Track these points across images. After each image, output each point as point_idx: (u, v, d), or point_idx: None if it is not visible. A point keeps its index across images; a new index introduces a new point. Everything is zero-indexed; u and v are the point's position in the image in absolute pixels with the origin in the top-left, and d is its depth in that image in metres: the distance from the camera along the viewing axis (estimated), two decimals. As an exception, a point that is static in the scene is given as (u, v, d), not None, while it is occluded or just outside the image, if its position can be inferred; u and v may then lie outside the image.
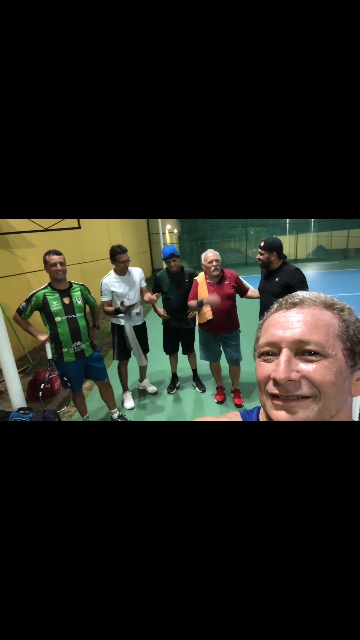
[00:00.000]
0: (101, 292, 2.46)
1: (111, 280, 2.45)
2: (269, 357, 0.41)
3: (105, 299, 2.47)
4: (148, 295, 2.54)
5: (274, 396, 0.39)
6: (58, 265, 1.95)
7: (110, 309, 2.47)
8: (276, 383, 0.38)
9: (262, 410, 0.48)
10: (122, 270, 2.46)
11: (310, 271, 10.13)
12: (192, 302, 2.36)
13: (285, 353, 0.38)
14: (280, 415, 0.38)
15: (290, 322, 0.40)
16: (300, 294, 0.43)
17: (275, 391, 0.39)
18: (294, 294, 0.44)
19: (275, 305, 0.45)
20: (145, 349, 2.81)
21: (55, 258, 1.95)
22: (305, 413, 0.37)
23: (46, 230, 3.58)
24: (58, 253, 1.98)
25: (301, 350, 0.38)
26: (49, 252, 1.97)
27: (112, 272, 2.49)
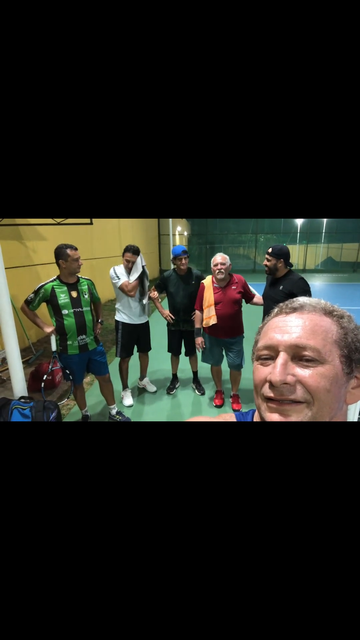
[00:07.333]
0: (117, 276, 2.48)
1: (121, 270, 2.52)
2: (267, 360, 0.41)
3: (122, 280, 2.48)
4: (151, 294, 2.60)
5: (269, 399, 0.39)
6: (80, 260, 2.02)
7: (132, 283, 2.48)
8: (272, 386, 0.38)
9: (256, 413, 0.49)
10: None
11: (318, 282, 10.06)
12: (197, 326, 2.54)
13: (282, 356, 0.39)
14: (274, 418, 0.38)
15: (289, 326, 0.40)
16: (301, 299, 0.44)
17: (271, 394, 0.39)
18: (294, 299, 0.44)
19: (276, 310, 0.45)
20: (147, 347, 2.83)
21: (77, 253, 2.00)
22: (299, 417, 0.37)
23: (58, 224, 3.63)
24: (76, 248, 2.02)
25: (298, 355, 0.38)
26: (69, 247, 1.98)
27: (121, 265, 2.55)
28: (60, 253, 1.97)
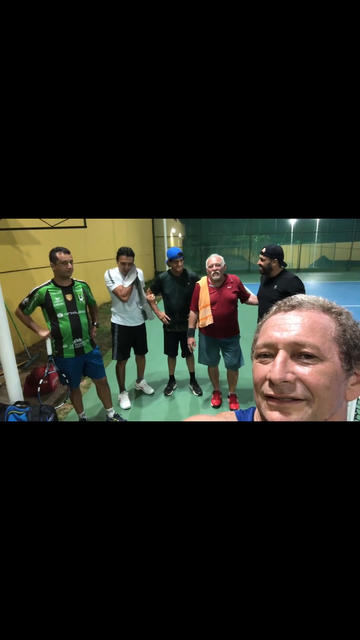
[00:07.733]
0: (111, 279, 2.47)
1: (115, 274, 2.52)
2: (266, 358, 0.41)
3: (117, 284, 2.46)
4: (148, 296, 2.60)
5: (269, 397, 0.39)
6: (69, 263, 2.00)
7: (126, 288, 2.46)
8: (271, 384, 0.38)
9: (257, 411, 0.49)
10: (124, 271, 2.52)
11: (312, 281, 10.15)
12: (190, 327, 2.56)
13: (281, 354, 0.39)
14: (274, 416, 0.38)
15: (288, 324, 0.40)
16: (299, 296, 0.44)
17: (271, 392, 0.39)
18: (293, 296, 0.45)
19: (274, 308, 0.45)
20: (144, 349, 2.82)
21: (67, 256, 1.99)
22: (299, 415, 0.37)
23: (52, 227, 3.61)
24: (68, 252, 2.01)
25: (297, 352, 0.39)
26: (59, 250, 1.98)
27: (116, 268, 2.54)
28: (51, 256, 1.98)
